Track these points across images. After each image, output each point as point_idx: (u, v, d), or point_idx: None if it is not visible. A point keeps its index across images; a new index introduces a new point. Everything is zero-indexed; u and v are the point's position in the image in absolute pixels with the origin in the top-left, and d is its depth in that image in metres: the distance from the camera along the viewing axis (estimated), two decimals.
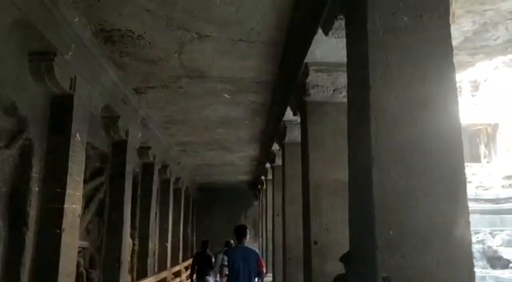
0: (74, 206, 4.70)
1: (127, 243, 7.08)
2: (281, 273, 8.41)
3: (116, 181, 6.85)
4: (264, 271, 6.39)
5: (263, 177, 12.82)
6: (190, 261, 11.78)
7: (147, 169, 9.16)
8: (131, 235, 8.23)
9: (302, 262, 6.77)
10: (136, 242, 8.58)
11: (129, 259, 7.89)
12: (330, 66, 4.35)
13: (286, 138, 6.92)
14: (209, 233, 17.40)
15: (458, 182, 2.36)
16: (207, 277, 8.14)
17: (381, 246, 2.28)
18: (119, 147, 6.97)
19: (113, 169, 6.88)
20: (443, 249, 2.28)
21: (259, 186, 15.01)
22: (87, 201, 6.26)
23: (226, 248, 6.72)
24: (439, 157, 2.38)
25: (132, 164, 7.42)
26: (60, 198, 4.46)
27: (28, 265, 4.19)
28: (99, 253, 6.47)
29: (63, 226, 4.41)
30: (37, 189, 4.35)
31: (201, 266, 8.46)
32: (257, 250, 6.34)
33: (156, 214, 10.07)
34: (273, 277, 8.87)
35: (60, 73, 4.40)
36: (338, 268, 4.54)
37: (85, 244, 6.10)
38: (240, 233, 5.86)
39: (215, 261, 7.77)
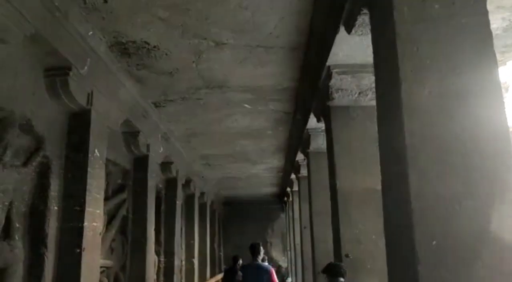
0: (94, 224, 4.57)
1: (152, 261, 6.92)
2: None
3: (138, 197, 6.73)
4: None
5: (288, 189, 12.55)
6: (218, 277, 11.59)
7: (170, 184, 9.04)
8: (156, 252, 8.09)
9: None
10: (162, 258, 8.42)
11: (155, 276, 7.72)
12: (354, 67, 4.12)
13: (311, 147, 6.67)
14: (237, 247, 17.17)
15: (506, 181, 2.08)
16: None
17: (423, 260, 2.02)
18: (141, 163, 6.87)
19: (135, 185, 6.77)
20: (493, 260, 2.01)
21: (286, 198, 14.74)
22: (110, 218, 6.15)
23: (242, 265, 7.21)
24: (483, 155, 2.11)
25: (154, 179, 7.31)
26: (79, 216, 4.34)
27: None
28: (124, 271, 6.33)
29: (83, 245, 4.28)
30: (56, 207, 4.24)
31: (232, 280, 8.50)
32: (269, 267, 6.55)
33: (181, 229, 9.92)
34: None
35: (76, 88, 4.32)
36: None
37: (109, 263, 5.97)
38: (253, 250, 6.29)
39: None
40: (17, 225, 3.78)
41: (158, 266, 8.13)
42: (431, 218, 2.06)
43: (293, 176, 10.47)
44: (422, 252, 2.02)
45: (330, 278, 4.56)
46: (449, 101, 2.21)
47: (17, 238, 3.76)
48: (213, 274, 13.43)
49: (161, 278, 8.28)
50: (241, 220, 18.42)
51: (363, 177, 4.40)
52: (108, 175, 6.15)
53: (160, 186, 8.69)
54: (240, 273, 6.40)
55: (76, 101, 4.39)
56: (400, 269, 2.20)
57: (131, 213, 6.64)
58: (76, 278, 4.17)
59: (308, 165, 7.06)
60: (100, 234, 4.73)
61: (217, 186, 14.46)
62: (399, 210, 2.23)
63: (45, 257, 4.07)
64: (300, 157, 8.24)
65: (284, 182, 12.87)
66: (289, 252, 15.81)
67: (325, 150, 6.64)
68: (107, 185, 6.14)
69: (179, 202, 9.22)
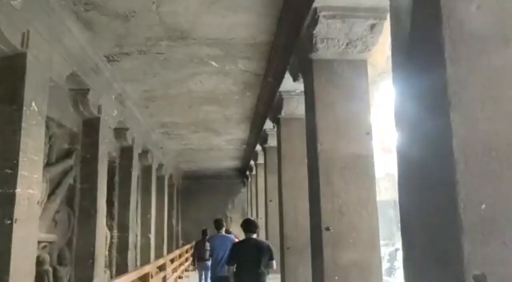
0: (30, 191, 3.82)
1: (103, 235, 6.21)
2: (277, 264, 7.64)
3: (88, 164, 5.96)
4: None
5: (252, 162, 12.01)
6: (176, 252, 10.98)
7: (125, 152, 8.26)
8: (108, 226, 7.37)
9: (304, 251, 6.02)
10: (115, 233, 7.71)
11: (107, 252, 7.02)
12: (346, 11, 3.51)
13: (282, 112, 6.10)
14: (195, 222, 16.59)
15: None
16: (207, 262, 8.49)
17: (469, 230, 1.48)
18: (91, 125, 6.08)
19: (84, 151, 5.98)
20: None
21: (248, 172, 14.22)
22: (53, 187, 5.38)
23: (210, 236, 7.64)
24: None
25: (106, 145, 6.52)
26: (10, 180, 3.58)
27: None
28: (70, 247, 5.60)
29: (15, 215, 3.53)
30: None
31: (202, 252, 8.96)
32: (232, 236, 7.26)
33: (137, 203, 9.19)
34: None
35: (7, 25, 3.51)
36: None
37: (52, 237, 5.24)
38: (218, 224, 7.00)
39: None
40: None
41: (111, 241, 7.43)
42: (479, 174, 1.52)
43: (258, 148, 9.91)
44: (468, 219, 1.48)
45: (245, 233, 5.05)
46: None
47: None
48: (170, 250, 12.80)
49: (114, 254, 7.58)
50: (200, 194, 17.79)
51: (348, 141, 3.88)
52: (51, 137, 5.35)
53: (114, 154, 7.90)
54: (207, 243, 7.59)
55: (7, 41, 3.58)
56: (434, 243, 1.64)
57: (79, 182, 5.87)
58: (6, 254, 3.44)
59: (278, 133, 6.50)
60: (38, 203, 3.98)
61: (176, 159, 13.71)
62: (432, 164, 1.67)
63: None
64: (268, 125, 7.67)
65: (248, 154, 12.31)
66: None
67: (298, 115, 6.13)
68: (50, 148, 5.35)
69: (134, 173, 8.47)
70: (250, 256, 4.83)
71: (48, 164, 5.24)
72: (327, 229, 3.74)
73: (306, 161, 6.21)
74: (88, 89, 5.58)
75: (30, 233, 3.76)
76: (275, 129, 6.90)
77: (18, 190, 3.59)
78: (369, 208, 3.81)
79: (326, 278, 3.66)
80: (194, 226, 16.44)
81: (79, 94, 5.61)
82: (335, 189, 3.82)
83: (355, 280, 3.66)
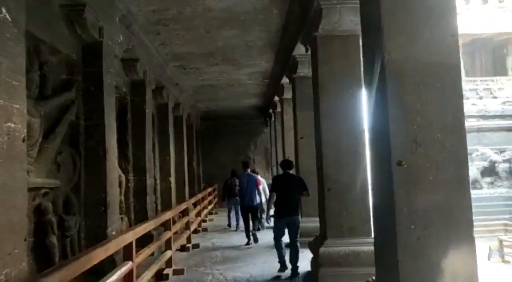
0: (11, 125, 2.95)
1: (115, 179, 5.45)
2: (312, 207, 6.89)
3: (92, 98, 5.07)
4: (261, 188, 8.54)
5: (276, 98, 11.01)
6: (198, 196, 10.38)
7: (137, 87, 7.36)
8: (123, 169, 6.63)
9: (348, 193, 5.18)
10: (131, 177, 6.99)
11: (122, 198, 6.32)
12: None
13: (320, 29, 5.03)
14: (217, 165, 16.01)
15: None
16: (237, 198, 9.38)
17: None
18: (92, 52, 5.13)
19: (87, 82, 5.07)
20: None
21: (271, 110, 13.23)
22: (52, 124, 4.53)
23: (237, 175, 9.42)
24: None
25: (113, 76, 5.60)
26: None
27: None
28: (77, 193, 4.85)
29: None
30: None
31: (232, 189, 9.93)
32: (257, 176, 8.87)
33: (154, 145, 8.41)
34: (300, 211, 7.34)
35: None
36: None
37: (53, 182, 4.46)
38: (245, 165, 8.85)
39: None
40: None
41: (127, 186, 6.71)
42: None
43: (285, 81, 8.86)
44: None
45: (283, 170, 5.97)
46: None
47: None
48: (192, 194, 12.24)
49: (131, 199, 6.90)
50: (220, 136, 16.99)
51: (426, 46, 2.86)
52: (44, 64, 4.43)
53: (124, 89, 7.00)
54: (236, 180, 9.36)
55: None
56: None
57: (83, 118, 5.01)
58: None
59: (314, 56, 5.46)
60: (24, 140, 3.12)
61: (193, 97, 12.77)
62: None
63: None
64: (299, 50, 6.58)
65: (272, 90, 11.27)
66: (274, 168, 14.71)
67: (340, 32, 5.08)
68: (44, 78, 4.44)
69: (149, 111, 7.61)
70: (287, 186, 5.78)
71: (42, 97, 4.36)
72: (399, 164, 2.82)
73: (350, 90, 5.27)
74: (84, 5, 4.58)
75: (14, 177, 2.94)
76: (309, 52, 5.84)
77: None
78: (454, 136, 2.86)
79: (399, 226, 2.79)
80: (216, 169, 15.90)
81: (73, 12, 4.61)
82: (408, 111, 2.86)
83: (437, 229, 2.78)
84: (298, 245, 5.70)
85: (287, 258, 5.78)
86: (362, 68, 4.92)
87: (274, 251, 6.66)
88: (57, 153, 4.58)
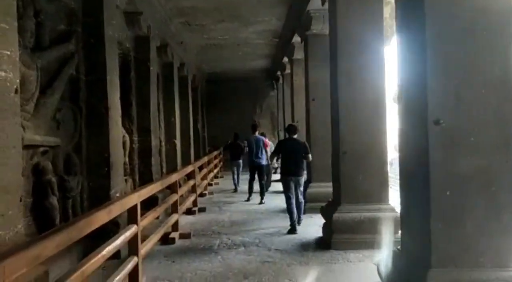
0: (1, 73, 2.64)
1: (118, 138, 5.18)
2: (324, 172, 6.64)
3: (92, 51, 4.74)
4: (269, 149, 8.93)
5: (286, 59, 10.56)
6: (204, 159, 10.15)
7: (140, 43, 6.97)
8: (127, 129, 6.34)
9: (365, 156, 4.88)
10: (135, 138, 6.71)
11: (127, 159, 6.06)
12: None
13: None
14: (222, 128, 15.70)
15: None
16: (239, 160, 10.60)
17: None
18: (92, 1, 4.73)
19: (86, 33, 4.71)
20: None
21: (279, 72, 12.78)
22: (50, 78, 4.21)
23: (246, 138, 9.57)
24: None
25: (115, 29, 5.22)
26: None
27: None
28: (79, 153, 4.59)
29: None
30: None
31: (235, 152, 10.64)
32: (264, 137, 9.33)
33: (158, 105, 8.08)
34: (309, 176, 7.11)
35: None
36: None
37: (53, 140, 4.18)
38: (253, 128, 9.29)
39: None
40: None
41: (131, 147, 6.44)
42: None
43: (296, 40, 8.40)
44: None
45: (288, 134, 6.32)
46: None
47: None
48: (197, 157, 12.02)
49: (136, 161, 6.65)
50: (226, 99, 16.58)
51: None
52: (39, 13, 4.06)
53: (128, 45, 6.61)
54: (245, 142, 9.57)
55: None
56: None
57: (84, 73, 4.68)
58: None
59: (332, 11, 5.04)
60: (17, 92, 2.81)
61: (198, 57, 12.30)
62: None
63: None
64: (314, 5, 6.16)
65: (281, 50, 10.78)
66: (281, 132, 14.39)
67: None
68: (40, 27, 4.09)
69: (153, 68, 7.23)
70: (290, 149, 6.08)
71: (39, 48, 4.02)
72: (437, 122, 2.51)
73: (372, 45, 4.88)
74: None
75: (5, 132, 2.65)
76: (326, 6, 5.42)
77: None
78: (500, 92, 2.52)
79: (433, 192, 2.52)
80: (221, 132, 15.60)
81: None
82: (448, 61, 2.52)
83: (476, 196, 2.50)
84: (303, 200, 6.10)
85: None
86: (385, 22, 4.56)
87: (282, 215, 6.56)
88: (57, 110, 4.28)
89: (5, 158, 2.64)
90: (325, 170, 6.73)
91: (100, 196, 4.56)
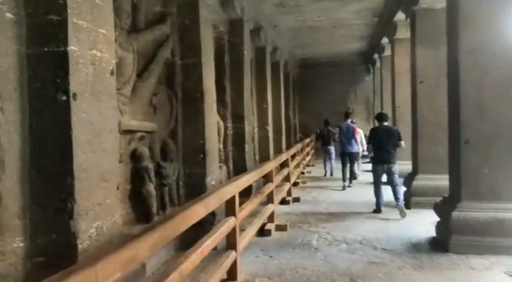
0: (96, 52, 2.47)
1: (214, 124, 4.99)
2: (433, 162, 5.96)
3: (187, 33, 4.57)
4: (358, 137, 9.19)
5: (385, 40, 9.75)
6: (298, 147, 9.80)
7: (234, 28, 6.75)
8: (221, 116, 6.16)
9: (492, 146, 4.09)
10: (229, 124, 6.53)
11: (221, 146, 5.89)
12: None
13: None
14: (314, 115, 15.22)
15: None
16: (330, 146, 10.65)
17: None
18: None
19: (182, 15, 4.54)
20: None
21: (377, 55, 11.91)
22: (146, 61, 4.09)
23: (338, 125, 9.69)
24: None
25: (210, 9, 5.00)
26: (58, 34, 2.23)
27: (15, 161, 2.20)
28: (175, 139, 4.46)
29: (72, 88, 2.24)
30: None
31: (325, 138, 10.76)
32: (354, 126, 9.25)
33: (251, 91, 7.85)
34: (415, 166, 6.42)
35: None
36: None
37: (151, 126, 4.08)
38: (346, 115, 9.39)
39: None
40: None
41: (225, 133, 6.26)
42: None
43: (399, 17, 7.63)
44: None
45: (379, 122, 6.47)
46: None
47: None
48: (289, 145, 11.70)
49: (229, 147, 6.48)
50: (318, 84, 15.97)
51: None
52: None
53: (222, 29, 6.41)
54: (337, 129, 9.71)
55: None
56: None
57: (179, 56, 4.53)
58: (67, 149, 2.22)
59: None
60: (112, 73, 2.65)
61: (292, 42, 11.89)
62: None
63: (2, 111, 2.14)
64: None
65: (380, 29, 9.96)
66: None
67: None
68: (136, 9, 3.96)
69: (247, 52, 6.99)
70: (383, 137, 6.15)
71: (134, 30, 3.91)
72: None
73: (504, 17, 4.11)
74: None
75: (102, 115, 2.48)
76: None
77: (71, 48, 2.24)
78: None
79: None
80: (313, 119, 15.15)
81: None
82: None
83: None
84: (397, 185, 6.00)
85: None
86: None
87: (385, 209, 6.00)
88: (153, 94, 4.17)
89: (102, 143, 2.48)
90: (434, 160, 6.03)
91: (197, 184, 4.41)
